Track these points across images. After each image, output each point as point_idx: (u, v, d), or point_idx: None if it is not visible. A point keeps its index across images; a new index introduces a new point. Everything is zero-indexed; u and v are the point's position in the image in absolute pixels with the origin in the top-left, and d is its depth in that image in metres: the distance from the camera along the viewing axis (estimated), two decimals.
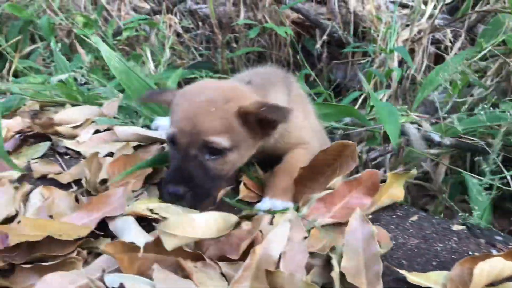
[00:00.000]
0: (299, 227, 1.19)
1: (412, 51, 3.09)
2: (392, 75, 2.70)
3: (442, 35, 3.13)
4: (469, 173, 1.81)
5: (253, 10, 3.84)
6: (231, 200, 1.41)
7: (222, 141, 1.31)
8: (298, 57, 3.38)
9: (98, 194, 1.43)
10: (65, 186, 1.53)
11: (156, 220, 1.28)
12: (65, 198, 1.40)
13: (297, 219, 1.21)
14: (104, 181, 1.52)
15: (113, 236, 1.25)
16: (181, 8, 4.02)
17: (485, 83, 2.44)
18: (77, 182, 1.56)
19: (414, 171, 1.48)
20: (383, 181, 1.43)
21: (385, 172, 2.76)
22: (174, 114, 1.39)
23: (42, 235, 1.15)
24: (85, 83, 3.32)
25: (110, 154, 1.71)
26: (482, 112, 1.84)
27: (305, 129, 1.64)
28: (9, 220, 1.33)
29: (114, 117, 2.02)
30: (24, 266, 1.13)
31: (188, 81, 2.82)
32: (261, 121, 1.35)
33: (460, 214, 1.42)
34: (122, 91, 2.74)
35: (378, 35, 2.93)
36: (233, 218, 1.22)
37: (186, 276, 1.04)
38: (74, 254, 1.17)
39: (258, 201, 1.42)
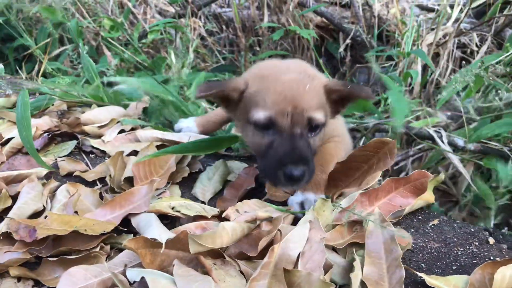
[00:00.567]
0: (318, 227, 1.19)
1: (437, 55, 3.06)
2: (417, 79, 2.67)
3: (468, 39, 3.08)
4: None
5: (277, 14, 3.86)
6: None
7: (321, 116, 1.30)
8: (320, 60, 3.38)
9: (122, 191, 1.46)
10: (90, 184, 1.56)
11: (178, 218, 1.31)
12: (90, 195, 1.44)
13: (316, 220, 1.22)
14: (128, 179, 1.55)
15: (135, 233, 1.27)
16: (206, 12, 4.08)
17: None
18: (102, 180, 1.60)
19: (442, 175, 1.46)
20: None
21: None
22: (263, 97, 1.29)
23: (69, 230, 1.18)
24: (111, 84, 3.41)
25: (134, 153, 1.75)
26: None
27: (340, 123, 1.66)
28: (36, 215, 1.38)
29: (139, 118, 2.07)
30: (50, 259, 1.17)
31: None
32: (340, 98, 1.36)
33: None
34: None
35: (402, 39, 2.91)
36: (252, 227, 1.23)
37: (206, 272, 1.06)
38: (97, 249, 1.21)
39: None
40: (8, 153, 1.73)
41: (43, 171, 1.60)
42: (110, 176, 1.56)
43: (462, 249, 1.22)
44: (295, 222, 1.30)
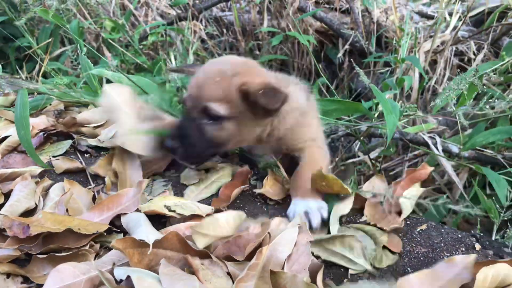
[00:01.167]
0: (306, 231, 1.21)
1: (434, 63, 3.07)
2: (413, 85, 2.69)
3: (466, 47, 3.10)
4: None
5: (277, 18, 3.88)
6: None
7: (220, 109, 1.40)
8: (319, 65, 3.40)
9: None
10: (84, 183, 1.58)
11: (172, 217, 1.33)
12: (84, 195, 1.45)
13: (304, 224, 1.23)
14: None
15: (126, 232, 1.29)
16: (207, 15, 4.10)
17: (508, 96, 2.40)
18: (95, 178, 1.62)
19: None
20: None
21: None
22: (191, 80, 1.51)
23: (62, 228, 1.20)
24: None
25: None
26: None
27: (320, 130, 1.71)
28: (28, 212, 1.39)
29: None
30: (39, 256, 1.19)
31: None
32: (257, 103, 1.38)
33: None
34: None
35: (399, 46, 2.92)
36: (243, 215, 1.28)
37: (192, 272, 1.07)
38: (87, 247, 1.22)
39: (280, 200, 1.48)
40: (3, 151, 1.74)
41: (38, 170, 1.61)
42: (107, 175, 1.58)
43: (448, 254, 1.23)
44: None
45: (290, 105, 1.52)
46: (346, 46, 3.47)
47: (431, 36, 3.07)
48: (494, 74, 2.10)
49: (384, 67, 3.23)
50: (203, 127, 1.43)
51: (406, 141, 2.25)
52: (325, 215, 1.35)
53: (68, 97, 2.14)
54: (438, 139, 2.22)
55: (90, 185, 1.59)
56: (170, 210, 1.34)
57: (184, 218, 1.33)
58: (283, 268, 1.08)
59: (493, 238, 2.01)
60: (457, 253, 1.23)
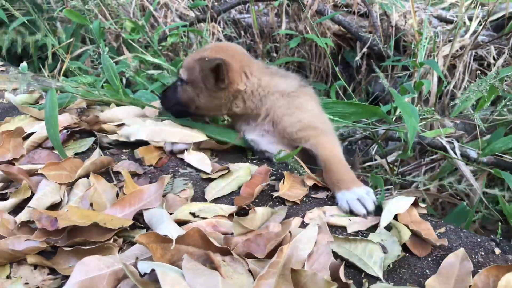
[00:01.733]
0: (326, 231, 1.23)
1: (453, 67, 3.06)
2: (431, 89, 2.68)
3: (486, 52, 3.08)
4: None
5: (295, 21, 3.90)
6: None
7: (183, 74, 1.82)
8: (337, 68, 3.41)
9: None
10: (106, 179, 1.61)
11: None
12: (108, 190, 1.48)
13: (324, 224, 1.25)
14: None
15: (148, 227, 1.32)
16: (225, 17, 4.14)
17: None
18: (117, 175, 1.65)
19: None
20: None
21: (417, 187, 2.74)
22: None
23: (88, 222, 1.23)
24: (130, 84, 3.48)
25: None
26: None
27: (318, 117, 1.79)
28: (53, 207, 1.43)
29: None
30: (65, 249, 1.22)
31: None
32: (210, 70, 1.71)
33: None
34: None
35: (418, 49, 2.92)
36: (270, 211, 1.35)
37: (214, 268, 1.09)
38: (111, 241, 1.25)
39: (298, 200, 1.49)
40: (29, 147, 1.80)
41: None
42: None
43: None
44: None
45: (269, 89, 1.78)
46: (364, 50, 3.47)
47: (450, 41, 3.06)
48: None
49: (402, 71, 3.22)
50: (176, 86, 1.87)
51: (425, 145, 2.25)
52: (374, 197, 1.44)
53: (91, 96, 2.18)
54: (456, 143, 2.21)
55: (113, 181, 1.62)
56: (194, 216, 1.37)
57: None
58: (303, 267, 1.10)
59: None
60: (476, 257, 1.24)
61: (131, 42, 3.57)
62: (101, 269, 1.12)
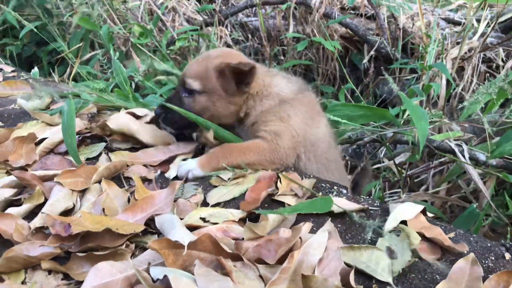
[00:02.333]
0: (336, 237, 1.24)
1: (462, 69, 3.05)
2: (440, 92, 2.68)
3: (494, 54, 3.07)
4: None
5: (302, 24, 3.91)
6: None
7: (194, 83, 1.68)
8: (345, 70, 3.42)
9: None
10: (117, 185, 1.63)
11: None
12: (120, 195, 1.50)
13: (335, 230, 1.26)
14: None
15: (160, 233, 1.33)
16: (232, 21, 4.16)
17: None
18: (128, 180, 1.67)
19: None
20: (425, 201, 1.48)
21: (427, 189, 2.74)
22: None
23: (101, 228, 1.25)
24: (139, 88, 3.51)
25: None
26: None
27: (293, 128, 1.70)
28: (66, 212, 1.45)
29: None
30: (78, 254, 1.24)
31: None
32: (234, 75, 1.65)
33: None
34: None
35: (426, 52, 2.91)
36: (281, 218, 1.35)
37: (225, 274, 1.11)
38: (123, 247, 1.27)
39: None
40: (41, 153, 1.82)
41: None
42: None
43: None
44: None
45: (270, 90, 1.74)
46: (372, 52, 3.47)
47: (458, 43, 3.06)
48: None
49: (410, 74, 3.22)
50: (182, 99, 1.72)
51: (433, 148, 2.25)
52: (191, 176, 1.60)
53: (103, 101, 2.21)
54: (464, 146, 2.21)
55: (124, 186, 1.64)
56: (205, 221, 1.38)
57: None
58: (313, 272, 1.11)
59: None
60: (486, 262, 1.24)
61: (139, 46, 3.60)
62: (114, 275, 1.14)
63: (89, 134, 1.96)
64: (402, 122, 2.24)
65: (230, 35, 3.99)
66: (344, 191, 1.61)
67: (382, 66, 3.64)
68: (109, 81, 3.37)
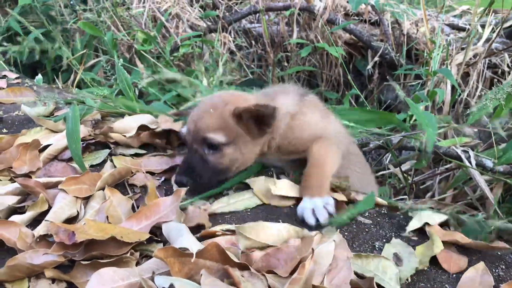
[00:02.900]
0: (345, 247, 1.22)
1: (467, 75, 3.04)
2: (445, 98, 2.66)
3: (500, 60, 3.05)
4: None
5: (306, 30, 3.91)
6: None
7: (217, 137, 1.51)
8: (348, 77, 3.41)
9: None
10: (121, 192, 1.62)
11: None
12: (123, 203, 1.49)
13: (342, 239, 1.24)
14: None
15: (165, 241, 1.32)
16: (236, 27, 4.16)
17: None
18: (133, 187, 1.66)
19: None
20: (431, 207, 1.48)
21: (433, 196, 2.71)
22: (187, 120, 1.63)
23: (106, 236, 1.23)
24: (142, 94, 3.50)
25: None
26: None
27: (316, 125, 1.69)
28: (70, 220, 1.44)
29: None
30: (82, 262, 1.22)
31: None
32: (255, 118, 1.52)
33: None
34: (177, 104, 2.88)
35: (431, 58, 2.90)
36: (305, 231, 1.30)
37: (232, 283, 1.09)
38: (128, 255, 1.25)
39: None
40: (45, 160, 1.81)
41: None
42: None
43: None
44: None
45: (280, 113, 1.60)
46: (376, 58, 3.46)
47: (462, 48, 3.04)
48: None
49: (415, 79, 3.21)
50: (206, 157, 1.54)
51: (440, 154, 2.23)
52: (331, 210, 1.41)
53: (107, 107, 2.20)
54: (471, 153, 2.19)
55: (128, 193, 1.63)
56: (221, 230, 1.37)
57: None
58: (322, 282, 1.09)
59: None
60: (497, 270, 1.22)
61: (143, 53, 3.60)
62: (116, 282, 1.12)
63: (93, 141, 1.95)
64: (408, 126, 2.22)
65: (233, 41, 3.99)
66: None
67: (386, 72, 3.64)
68: (113, 88, 3.37)
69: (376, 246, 1.35)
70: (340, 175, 1.62)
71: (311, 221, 1.38)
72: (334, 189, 1.56)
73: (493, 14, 3.24)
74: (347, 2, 3.80)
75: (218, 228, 1.36)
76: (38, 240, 1.31)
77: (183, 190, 1.45)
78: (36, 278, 1.22)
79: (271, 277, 1.13)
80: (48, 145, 1.87)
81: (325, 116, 1.77)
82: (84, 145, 1.91)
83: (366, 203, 1.42)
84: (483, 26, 3.26)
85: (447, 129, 2.01)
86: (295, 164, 1.72)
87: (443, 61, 2.83)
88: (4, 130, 2.16)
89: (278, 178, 1.67)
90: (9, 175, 1.71)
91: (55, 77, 3.69)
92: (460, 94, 2.82)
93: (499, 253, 1.30)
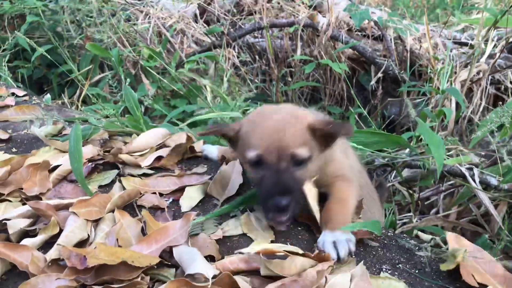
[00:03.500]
0: (366, 279, 1.24)
1: (470, 91, 3.06)
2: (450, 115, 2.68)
3: (503, 76, 3.07)
4: None
5: (310, 46, 3.95)
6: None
7: (304, 152, 1.45)
8: (351, 92, 3.43)
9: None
10: (130, 213, 1.63)
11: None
12: (133, 225, 1.50)
13: (365, 271, 1.26)
14: None
15: (175, 265, 1.33)
16: (240, 42, 4.20)
17: None
18: (141, 208, 1.68)
19: None
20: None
21: (437, 212, 2.72)
22: (253, 137, 1.48)
23: (117, 260, 1.25)
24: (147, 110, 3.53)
25: None
26: None
27: (346, 165, 1.70)
28: (81, 243, 1.45)
29: None
30: (94, 287, 1.24)
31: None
32: (324, 135, 1.49)
33: None
34: (183, 119, 2.90)
35: (434, 74, 2.93)
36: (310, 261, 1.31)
37: None
38: (138, 279, 1.27)
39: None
40: (54, 180, 1.83)
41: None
42: None
43: None
44: None
45: None
46: (379, 74, 3.49)
47: (466, 65, 3.07)
48: None
49: (418, 95, 3.23)
50: (292, 175, 1.44)
51: (444, 173, 2.24)
52: (353, 248, 1.39)
53: (114, 127, 2.23)
54: (475, 171, 2.20)
55: (137, 215, 1.64)
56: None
57: None
58: None
59: None
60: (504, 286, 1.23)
61: (148, 68, 3.64)
62: None
63: (101, 161, 1.97)
64: (414, 146, 2.24)
65: (237, 57, 4.03)
66: None
67: (389, 87, 3.67)
68: (119, 104, 3.40)
69: (383, 269, 1.36)
70: None
71: (333, 254, 1.35)
72: None
73: (496, 29, 3.27)
74: (350, 18, 3.84)
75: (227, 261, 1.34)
76: (50, 264, 1.33)
77: (193, 214, 1.46)
78: None
79: None
80: (57, 166, 1.90)
81: (345, 152, 1.77)
82: (92, 165, 1.94)
83: (373, 228, 1.42)
84: (485, 42, 3.29)
85: (454, 152, 2.02)
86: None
87: (447, 77, 2.85)
88: (14, 150, 2.18)
89: None
90: (20, 197, 1.73)
91: (61, 93, 3.73)
92: (464, 111, 2.84)
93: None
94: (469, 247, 1.34)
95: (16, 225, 1.50)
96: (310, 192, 1.51)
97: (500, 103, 2.76)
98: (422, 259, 1.40)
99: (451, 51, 3.56)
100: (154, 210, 1.68)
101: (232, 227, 1.54)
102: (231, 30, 4.10)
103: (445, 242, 1.47)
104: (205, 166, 2.00)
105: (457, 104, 2.81)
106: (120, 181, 1.84)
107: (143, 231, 1.52)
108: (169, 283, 1.13)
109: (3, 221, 1.52)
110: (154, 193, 1.77)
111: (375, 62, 3.61)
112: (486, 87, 2.95)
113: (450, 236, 1.39)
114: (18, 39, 3.67)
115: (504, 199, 2.14)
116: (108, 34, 3.71)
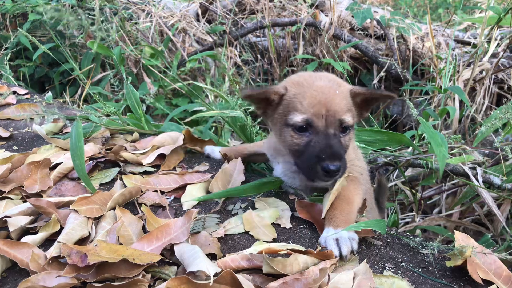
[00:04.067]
0: (369, 277, 1.22)
1: (473, 90, 3.04)
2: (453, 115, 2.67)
3: (506, 75, 3.06)
4: None
5: (312, 45, 3.93)
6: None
7: (350, 119, 1.48)
8: None
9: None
10: (131, 211, 1.62)
11: None
12: (134, 223, 1.49)
13: (368, 269, 1.25)
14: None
15: (176, 263, 1.32)
16: (242, 41, 4.19)
17: None
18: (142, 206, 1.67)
19: None
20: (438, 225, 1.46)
21: (440, 212, 2.71)
22: (301, 102, 1.48)
23: (118, 258, 1.24)
24: (149, 108, 3.52)
25: None
26: None
27: (355, 163, 1.69)
28: (82, 240, 1.44)
29: None
30: (95, 285, 1.23)
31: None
32: (364, 101, 1.54)
33: None
34: (184, 118, 2.89)
35: (437, 74, 2.91)
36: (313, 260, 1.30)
37: None
38: (139, 277, 1.26)
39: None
40: (55, 178, 1.83)
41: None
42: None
43: None
44: None
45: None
46: (382, 73, 3.47)
47: (468, 65, 3.05)
48: None
49: (420, 95, 3.22)
50: (340, 141, 1.48)
51: (447, 171, 2.23)
52: (355, 246, 1.38)
53: (115, 125, 2.22)
54: (478, 170, 2.18)
55: (138, 213, 1.64)
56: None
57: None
58: None
59: None
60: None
61: (150, 67, 3.63)
62: None
63: (102, 159, 1.96)
64: (417, 145, 2.22)
65: (239, 56, 4.02)
66: None
67: (392, 87, 3.65)
68: (120, 103, 3.39)
69: (387, 267, 1.35)
70: None
71: (335, 251, 1.35)
72: None
73: (498, 28, 3.25)
74: (352, 17, 3.83)
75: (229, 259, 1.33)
76: (50, 261, 1.32)
77: (195, 211, 1.46)
78: None
79: None
80: (58, 164, 1.89)
81: (355, 150, 1.77)
82: (93, 163, 1.93)
83: (377, 227, 1.41)
84: (488, 41, 3.27)
85: (457, 151, 2.01)
86: (309, 189, 1.73)
87: (450, 77, 2.84)
88: (15, 147, 2.18)
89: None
90: (21, 194, 1.72)
91: (63, 91, 3.72)
92: (467, 110, 2.82)
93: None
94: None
95: (17, 222, 1.49)
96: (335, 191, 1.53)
97: (505, 99, 2.76)
98: (425, 257, 1.40)
99: (453, 50, 3.55)
100: (156, 208, 1.68)
101: (233, 225, 1.53)
102: (233, 29, 4.09)
103: (448, 242, 1.46)
104: (207, 164, 2.00)
105: (460, 104, 2.79)
106: (121, 179, 1.84)
107: (144, 229, 1.51)
108: (170, 281, 1.12)
109: (4, 219, 1.51)
110: (156, 191, 1.77)
111: (377, 61, 3.59)
112: (489, 86, 2.93)
113: (458, 235, 1.38)
114: (20, 38, 3.67)
115: (507, 197, 2.12)
116: (109, 33, 3.70)
